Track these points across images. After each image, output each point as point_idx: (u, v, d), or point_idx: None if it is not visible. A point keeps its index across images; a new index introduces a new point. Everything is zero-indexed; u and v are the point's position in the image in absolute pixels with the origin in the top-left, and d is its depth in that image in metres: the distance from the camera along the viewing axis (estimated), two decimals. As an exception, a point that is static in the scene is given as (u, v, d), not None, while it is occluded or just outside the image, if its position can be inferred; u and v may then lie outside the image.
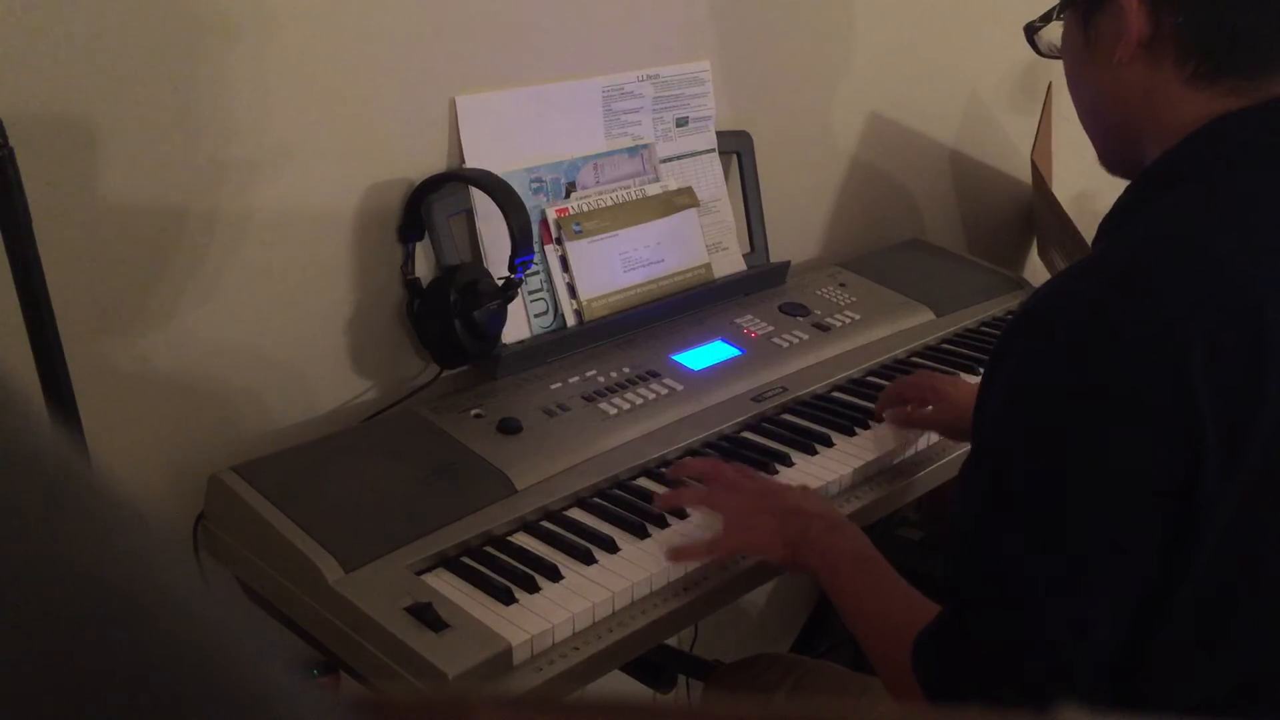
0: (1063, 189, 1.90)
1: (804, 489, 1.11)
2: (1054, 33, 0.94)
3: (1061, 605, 0.75)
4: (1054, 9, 0.91)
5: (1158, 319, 0.71)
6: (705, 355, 1.37)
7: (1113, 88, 0.85)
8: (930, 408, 1.26)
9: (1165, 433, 0.71)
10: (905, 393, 1.28)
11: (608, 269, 1.38)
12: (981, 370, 1.43)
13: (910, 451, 1.26)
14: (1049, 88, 1.89)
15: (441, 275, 1.24)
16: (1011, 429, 0.79)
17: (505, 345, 1.28)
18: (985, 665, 0.79)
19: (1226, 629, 0.76)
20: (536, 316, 1.33)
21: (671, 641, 1.33)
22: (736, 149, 1.56)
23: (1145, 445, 0.72)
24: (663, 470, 1.18)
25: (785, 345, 1.42)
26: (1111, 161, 0.92)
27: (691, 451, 1.22)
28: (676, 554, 1.01)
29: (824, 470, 1.19)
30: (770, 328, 1.45)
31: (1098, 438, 0.73)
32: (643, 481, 1.16)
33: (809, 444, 1.23)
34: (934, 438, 1.29)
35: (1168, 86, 0.81)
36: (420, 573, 0.98)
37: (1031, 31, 0.98)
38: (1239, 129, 0.80)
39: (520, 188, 1.28)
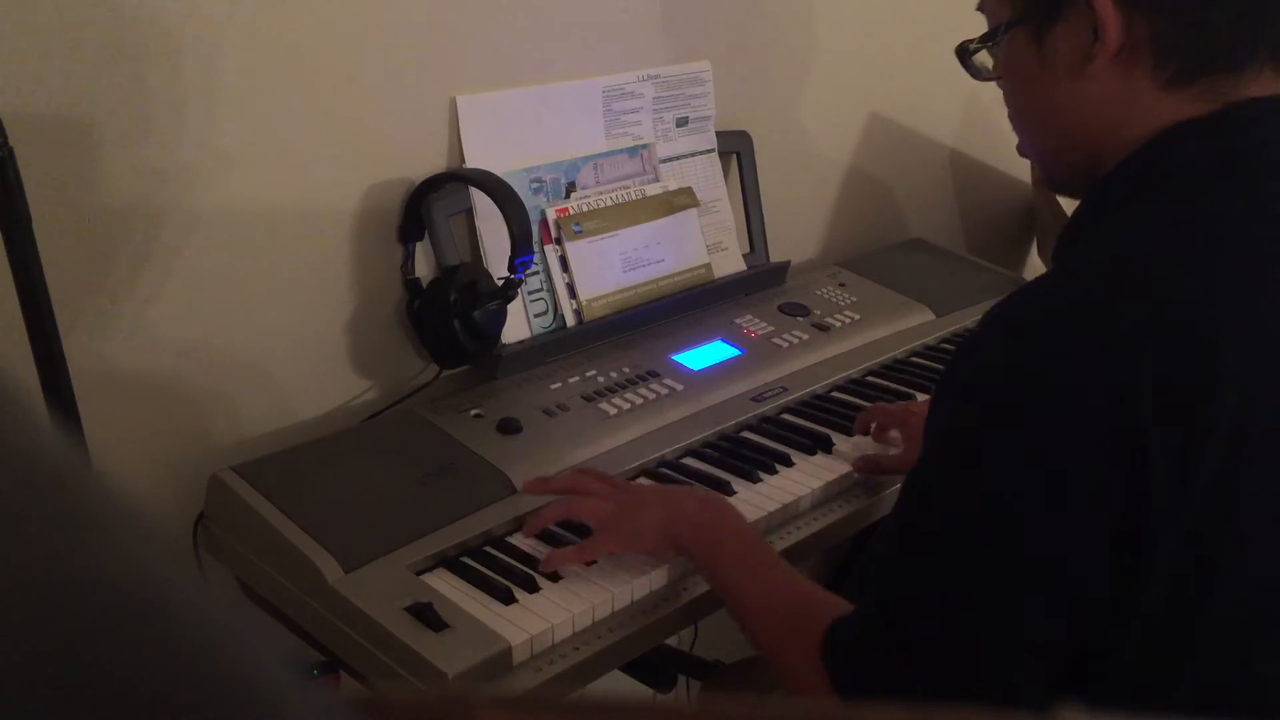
0: (1063, 189, 1.90)
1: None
2: (985, 54, 0.89)
3: (995, 616, 0.74)
4: (999, 27, 0.84)
5: (1108, 348, 0.69)
6: (705, 355, 1.37)
7: (1075, 101, 0.81)
8: (896, 450, 1.22)
9: (1110, 453, 0.69)
10: (879, 421, 1.25)
11: (608, 269, 1.38)
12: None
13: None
14: (1049, 88, 1.89)
15: (441, 275, 1.24)
16: (956, 447, 0.77)
17: (505, 345, 1.28)
18: (909, 666, 0.76)
19: (1179, 656, 0.74)
20: (536, 316, 1.33)
21: (671, 641, 1.32)
22: (736, 149, 1.56)
23: (1090, 466, 0.70)
24: (663, 470, 1.18)
25: (785, 345, 1.42)
26: (1062, 179, 0.89)
27: (691, 451, 1.22)
28: (548, 562, 0.98)
29: (824, 471, 1.19)
30: (770, 328, 1.45)
31: (1040, 460, 0.71)
32: (642, 482, 1.16)
33: (809, 444, 1.23)
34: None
35: (1139, 93, 0.78)
36: (420, 573, 0.98)
37: (966, 54, 0.91)
38: (1198, 137, 0.77)
39: (520, 188, 1.28)
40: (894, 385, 1.40)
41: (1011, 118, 0.89)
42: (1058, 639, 0.74)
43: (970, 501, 0.75)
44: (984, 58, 0.90)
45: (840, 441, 1.25)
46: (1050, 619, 0.73)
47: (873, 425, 1.25)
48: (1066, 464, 0.71)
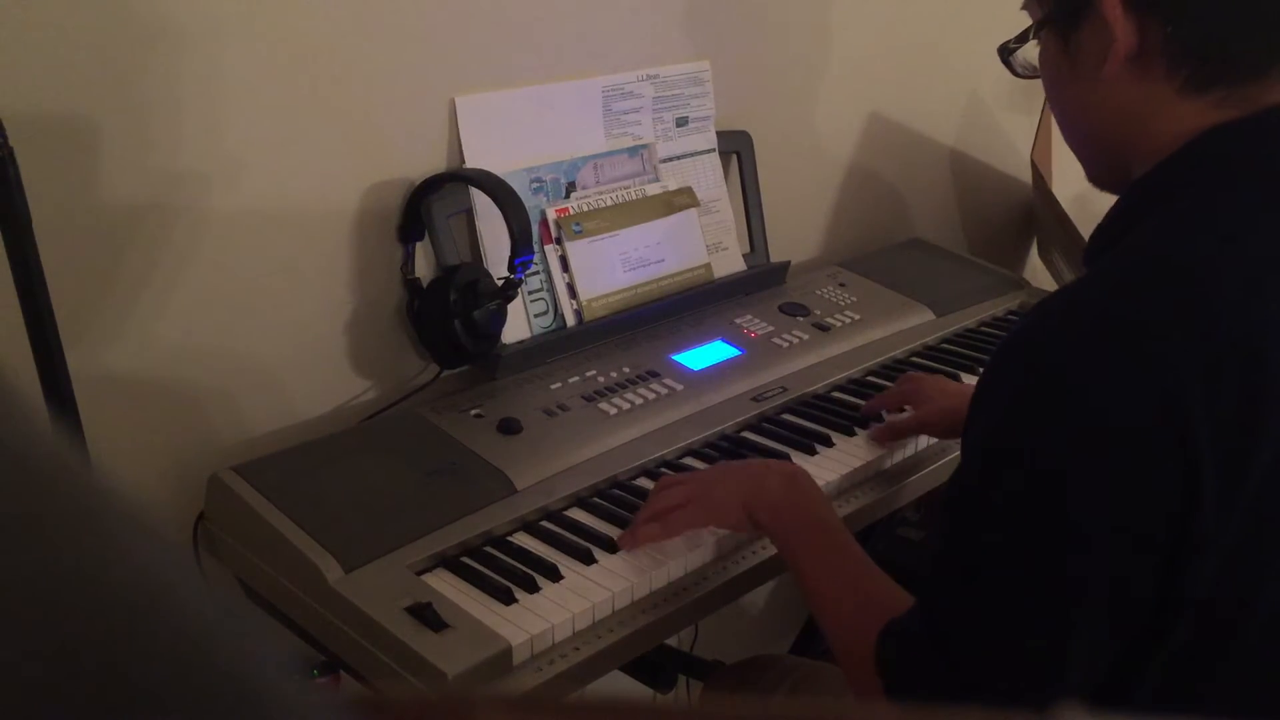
0: (1063, 189, 1.90)
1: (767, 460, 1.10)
2: (1029, 51, 0.92)
3: (1043, 630, 0.74)
4: (1030, 28, 0.88)
5: (1155, 354, 0.69)
6: (705, 355, 1.37)
7: (1100, 103, 0.83)
8: (909, 412, 1.25)
9: (1160, 465, 0.69)
10: (887, 404, 1.29)
11: (608, 269, 1.38)
12: (980, 371, 1.44)
13: (910, 452, 1.26)
14: (1049, 88, 1.89)
15: (441, 275, 1.24)
16: (1003, 458, 0.76)
17: (505, 345, 1.28)
18: (955, 674, 0.77)
19: (1219, 662, 0.75)
20: (536, 316, 1.33)
21: (671, 641, 1.33)
22: (736, 149, 1.56)
23: (1140, 477, 0.70)
24: (663, 470, 1.18)
25: (785, 345, 1.42)
26: (1101, 177, 0.90)
27: (691, 451, 1.22)
28: (624, 540, 1.02)
29: (824, 471, 1.19)
30: (770, 328, 1.45)
31: (1091, 469, 0.71)
32: (642, 481, 1.16)
33: (809, 444, 1.23)
34: (933, 439, 1.29)
35: (1158, 98, 0.79)
36: (420, 573, 0.98)
37: (1006, 53, 0.94)
38: (1233, 142, 0.77)
39: (520, 188, 1.28)
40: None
41: (1054, 113, 0.92)
42: (1103, 646, 0.74)
43: (1016, 520, 0.75)
44: (1028, 54, 0.93)
45: (840, 441, 1.25)
46: (1097, 626, 0.73)
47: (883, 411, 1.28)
48: (1116, 483, 0.71)
